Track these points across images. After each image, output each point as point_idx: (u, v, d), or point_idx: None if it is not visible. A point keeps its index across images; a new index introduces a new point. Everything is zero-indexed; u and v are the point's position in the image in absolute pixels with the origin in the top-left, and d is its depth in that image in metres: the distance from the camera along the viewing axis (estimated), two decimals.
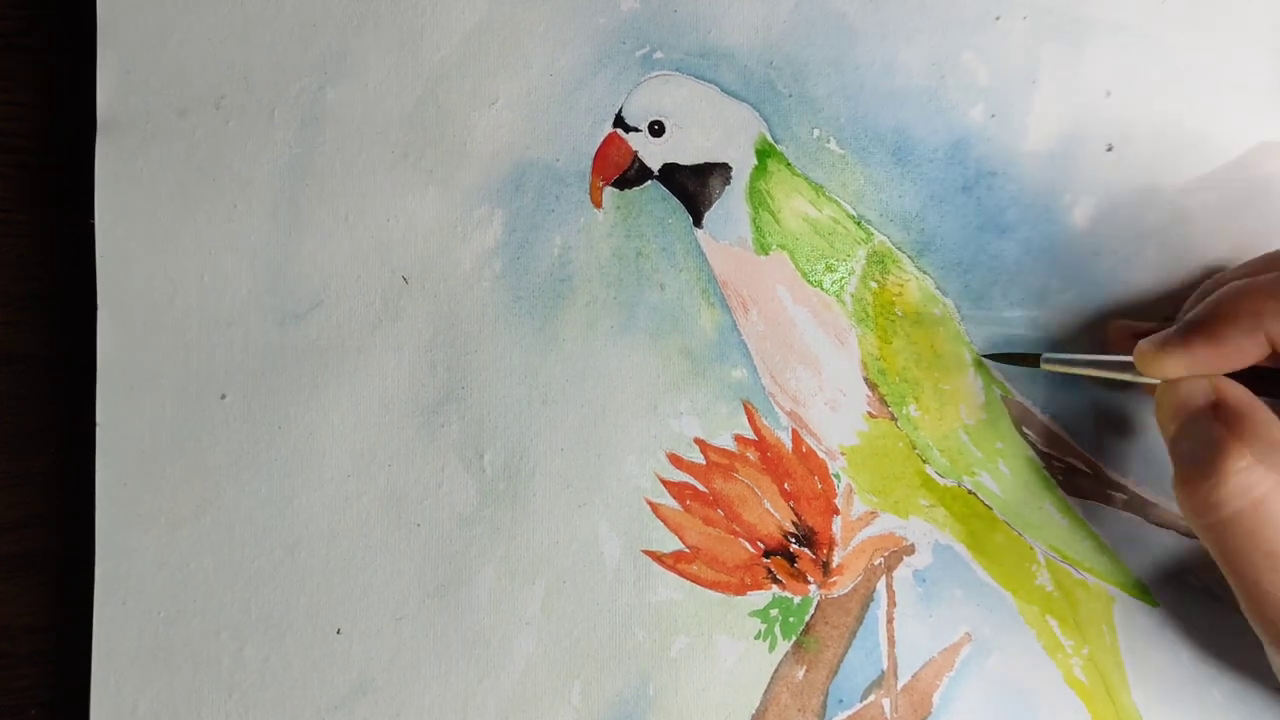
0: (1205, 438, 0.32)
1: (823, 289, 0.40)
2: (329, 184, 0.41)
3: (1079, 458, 0.40)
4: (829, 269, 0.40)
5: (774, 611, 0.40)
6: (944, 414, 0.40)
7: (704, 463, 0.40)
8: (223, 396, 0.41)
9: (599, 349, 0.41)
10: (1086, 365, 0.37)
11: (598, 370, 0.41)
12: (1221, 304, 0.32)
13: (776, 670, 0.39)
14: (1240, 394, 0.32)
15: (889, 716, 0.39)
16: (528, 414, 0.40)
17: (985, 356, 0.40)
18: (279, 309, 0.41)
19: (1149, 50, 0.40)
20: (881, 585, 0.40)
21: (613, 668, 0.39)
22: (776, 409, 0.40)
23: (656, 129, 0.41)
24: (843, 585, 0.40)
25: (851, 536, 0.40)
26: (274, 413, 0.41)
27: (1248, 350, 0.32)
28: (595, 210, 0.41)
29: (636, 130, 0.41)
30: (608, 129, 0.41)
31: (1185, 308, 0.36)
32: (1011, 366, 0.39)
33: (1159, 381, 0.34)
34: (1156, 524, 0.39)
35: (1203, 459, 0.31)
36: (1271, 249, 0.37)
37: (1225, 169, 0.40)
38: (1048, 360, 0.37)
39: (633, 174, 0.41)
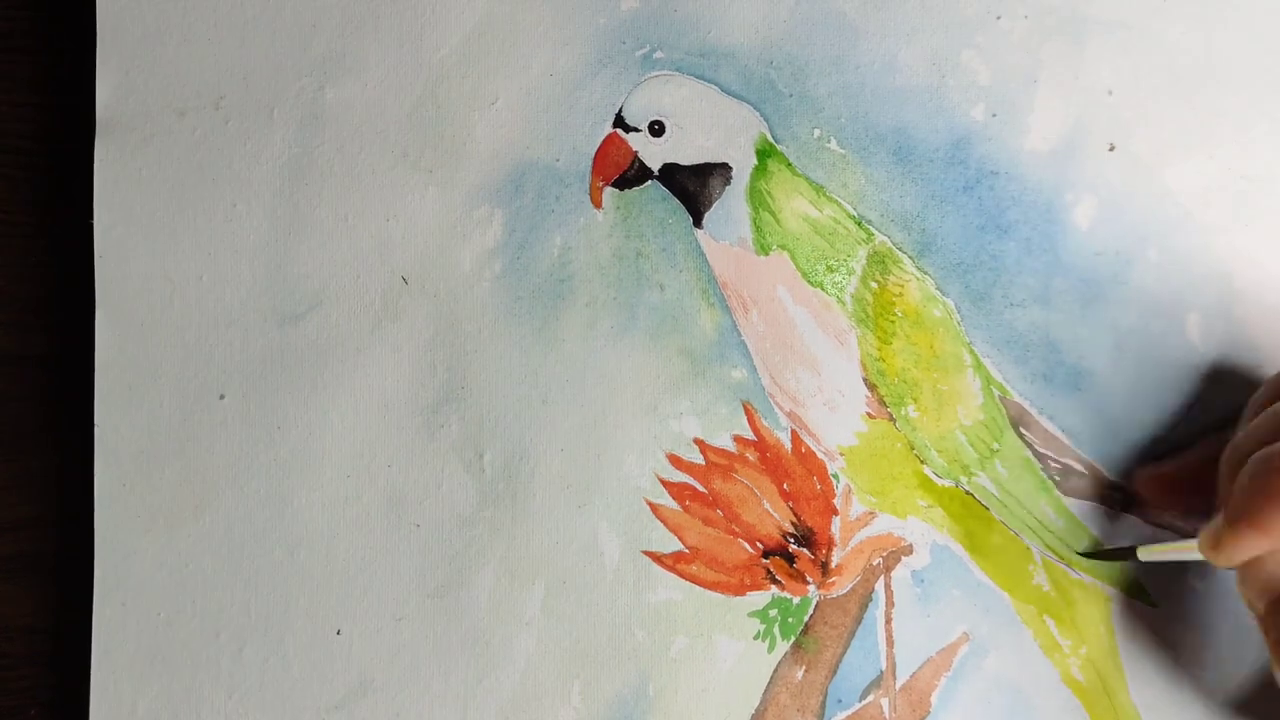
0: None
1: (823, 289, 0.40)
2: (328, 184, 0.41)
3: (1075, 459, 0.40)
4: (829, 269, 0.40)
5: (773, 612, 0.40)
6: (942, 415, 0.40)
7: (703, 463, 0.40)
8: (222, 397, 0.41)
9: (599, 349, 0.41)
10: (1180, 553, 0.36)
11: (598, 370, 0.41)
12: (1255, 491, 0.31)
13: (776, 670, 0.39)
14: None
15: (888, 716, 0.39)
16: (528, 414, 0.40)
17: (1081, 554, 0.39)
18: (278, 309, 0.41)
19: (1151, 49, 0.40)
20: (880, 585, 0.40)
21: (612, 668, 0.39)
22: (776, 409, 0.40)
23: (656, 129, 0.41)
24: (841, 585, 0.40)
25: (850, 537, 0.40)
26: (273, 413, 0.41)
27: None
28: (595, 210, 0.41)
29: (636, 130, 0.41)
30: (608, 129, 0.41)
31: (1220, 475, 0.34)
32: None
33: None
34: (1155, 524, 0.39)
35: None
36: (1273, 247, 0.37)
37: (1227, 168, 0.40)
38: (1144, 551, 0.37)
39: (633, 174, 0.41)
